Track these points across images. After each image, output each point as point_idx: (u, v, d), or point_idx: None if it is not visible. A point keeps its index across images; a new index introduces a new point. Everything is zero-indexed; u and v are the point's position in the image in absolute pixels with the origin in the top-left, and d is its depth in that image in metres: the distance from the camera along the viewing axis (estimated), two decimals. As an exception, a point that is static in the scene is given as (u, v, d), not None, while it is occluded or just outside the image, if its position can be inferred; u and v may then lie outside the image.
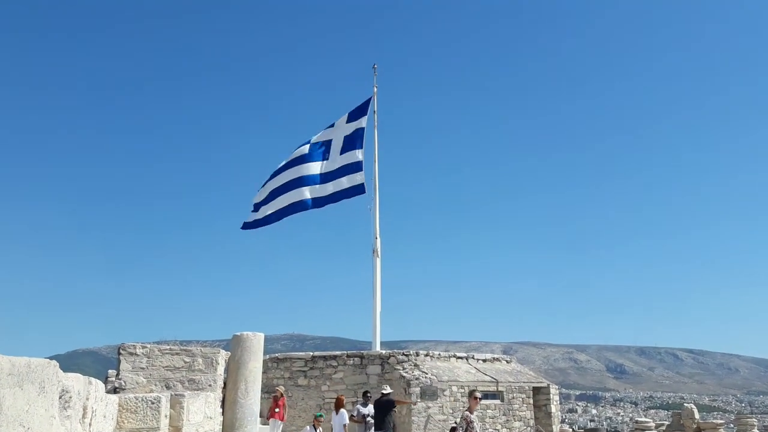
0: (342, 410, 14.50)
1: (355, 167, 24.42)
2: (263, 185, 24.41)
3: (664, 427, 20.12)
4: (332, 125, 25.10)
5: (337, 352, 21.91)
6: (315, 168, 24.25)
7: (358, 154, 24.59)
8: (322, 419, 11.13)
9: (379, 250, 24.94)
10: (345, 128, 24.89)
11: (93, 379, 5.46)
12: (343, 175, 24.21)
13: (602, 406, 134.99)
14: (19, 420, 3.10)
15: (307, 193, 23.87)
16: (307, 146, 24.59)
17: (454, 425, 9.42)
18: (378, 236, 25.06)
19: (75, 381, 4.72)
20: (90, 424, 5.40)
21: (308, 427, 9.90)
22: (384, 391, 14.75)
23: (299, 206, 23.95)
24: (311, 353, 22.17)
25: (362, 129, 24.96)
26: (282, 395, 17.99)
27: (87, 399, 5.16)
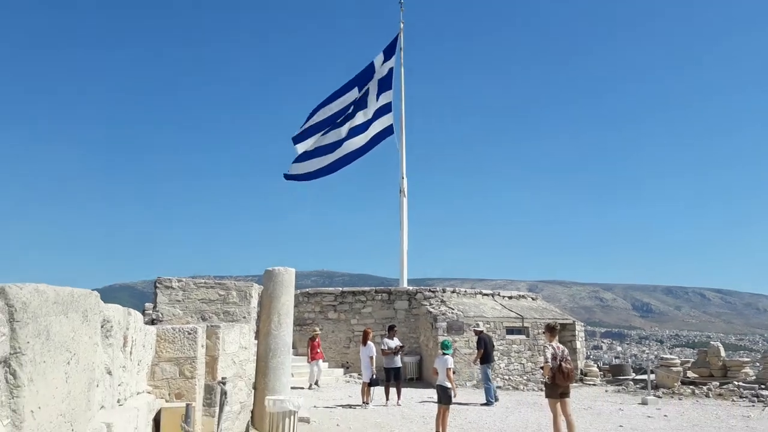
0: (369, 343, 14.85)
1: (386, 109, 24.33)
2: (305, 131, 24.61)
3: (689, 365, 20.18)
4: (371, 67, 24.77)
5: (366, 288, 22.29)
6: (356, 120, 24.31)
7: (388, 96, 24.42)
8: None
9: (405, 189, 24.95)
10: (381, 70, 24.66)
11: (132, 310, 5.63)
12: (376, 119, 24.21)
13: (627, 344, 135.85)
14: (66, 346, 3.22)
15: (347, 147, 24.08)
16: (350, 96, 24.53)
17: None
18: (404, 176, 25.03)
19: (115, 311, 4.86)
20: (131, 353, 5.60)
21: (449, 357, 10.27)
22: (478, 328, 16.87)
23: (343, 162, 24.20)
24: (340, 288, 22.59)
25: (392, 69, 24.66)
26: (318, 335, 18.59)
27: (127, 329, 5.33)
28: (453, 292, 22.02)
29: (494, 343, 16.62)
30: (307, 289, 22.50)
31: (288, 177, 24.36)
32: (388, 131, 24.49)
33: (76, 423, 3.40)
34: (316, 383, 17.68)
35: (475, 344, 16.76)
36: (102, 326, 4.38)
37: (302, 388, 16.67)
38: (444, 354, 10.64)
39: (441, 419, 10.22)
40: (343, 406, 14.06)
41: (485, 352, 15.82)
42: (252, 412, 9.53)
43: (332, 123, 24.31)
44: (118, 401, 5.03)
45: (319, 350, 18.15)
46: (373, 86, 24.52)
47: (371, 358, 14.46)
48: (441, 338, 19.36)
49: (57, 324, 3.08)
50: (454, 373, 10.80)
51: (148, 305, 10.46)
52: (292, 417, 8.86)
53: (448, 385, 10.17)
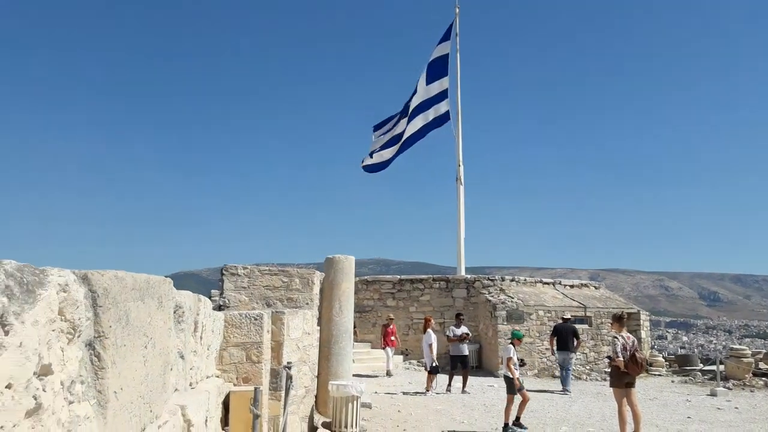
0: (428, 330, 14.87)
1: (441, 96, 24.20)
2: (379, 128, 25.39)
3: (761, 356, 19.36)
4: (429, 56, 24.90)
5: (424, 276, 22.28)
6: (411, 106, 24.46)
7: (444, 82, 24.25)
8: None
9: (462, 177, 24.76)
10: (433, 55, 24.60)
11: (202, 296, 5.78)
12: (431, 107, 24.17)
13: (693, 334, 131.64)
14: (143, 330, 3.33)
15: (405, 134, 24.32)
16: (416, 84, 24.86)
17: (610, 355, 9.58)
18: (461, 163, 24.83)
19: (186, 297, 5.01)
20: (201, 338, 5.77)
21: (511, 346, 10.24)
22: (565, 317, 16.95)
23: (400, 149, 24.45)
24: (398, 276, 22.65)
25: (446, 55, 24.44)
26: (392, 322, 18.55)
27: (197, 314, 5.48)
28: (512, 280, 21.77)
29: (577, 332, 16.42)
30: (366, 277, 22.65)
31: (366, 169, 25.04)
32: (444, 118, 24.34)
33: (153, 405, 3.53)
34: (389, 372, 17.56)
35: (549, 334, 16.97)
36: (174, 312, 4.51)
37: (364, 375, 16.82)
38: (509, 343, 10.53)
39: (505, 408, 10.14)
40: (403, 392, 14.14)
41: (559, 341, 15.81)
42: (315, 396, 9.68)
43: (399, 114, 24.79)
44: (190, 384, 5.19)
45: (393, 338, 18.00)
46: (423, 71, 24.50)
47: (429, 345, 14.47)
48: (501, 327, 19.22)
49: (135, 309, 3.19)
50: (522, 363, 10.68)
51: (215, 292, 10.74)
52: (354, 402, 8.96)
53: (513, 374, 10.06)
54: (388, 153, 24.59)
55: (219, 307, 8.93)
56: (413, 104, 24.20)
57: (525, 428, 9.94)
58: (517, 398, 10.15)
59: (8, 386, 1.84)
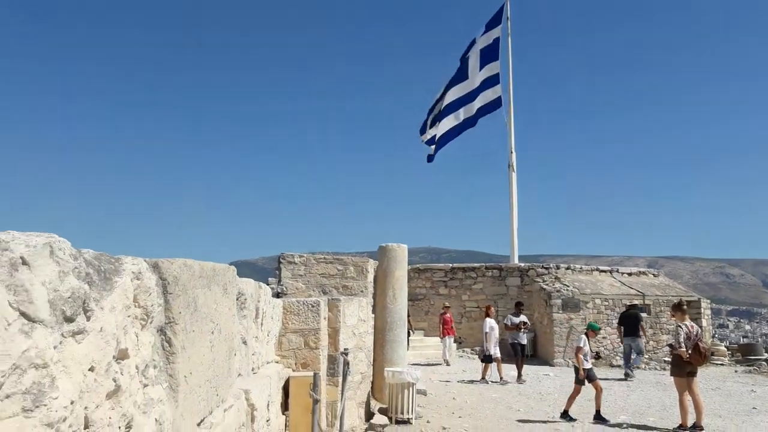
0: (486, 319, 14.82)
1: (492, 81, 23.83)
2: (428, 118, 25.18)
3: (832, 346, 18.55)
4: (473, 42, 24.47)
5: (476, 264, 22.16)
6: (461, 90, 24.15)
7: (494, 67, 23.87)
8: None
9: (514, 164, 24.44)
10: (481, 41, 24.18)
11: (262, 284, 5.91)
12: (481, 92, 23.84)
13: (757, 322, 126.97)
14: (210, 317, 3.43)
15: (454, 119, 24.08)
16: (459, 72, 24.59)
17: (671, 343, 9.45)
18: (513, 150, 24.49)
19: (248, 285, 5.13)
20: (261, 324, 5.90)
21: (583, 336, 10.16)
22: (631, 303, 17.49)
23: (452, 134, 24.22)
24: (450, 265, 22.58)
25: (497, 39, 24.04)
26: (449, 310, 18.43)
27: (258, 301, 5.61)
28: (567, 268, 21.42)
29: (642, 319, 16.87)
30: (417, 265, 22.67)
31: (430, 159, 25.02)
32: (495, 104, 24.00)
33: (219, 389, 3.63)
34: (446, 362, 17.40)
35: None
36: (237, 299, 4.63)
37: (417, 363, 16.87)
38: (583, 334, 10.35)
39: (569, 395, 9.99)
40: (458, 381, 14.13)
41: (627, 327, 16.15)
42: (371, 382, 9.78)
43: (449, 103, 24.47)
44: (252, 370, 5.32)
45: (451, 326, 17.84)
46: (474, 56, 24.08)
47: (485, 334, 14.41)
48: (556, 316, 18.95)
49: (202, 296, 3.28)
50: (597, 356, 10.56)
51: (272, 280, 10.94)
52: (410, 389, 9.02)
53: (585, 365, 9.89)
54: (440, 131, 24.45)
55: (277, 295, 9.10)
56: (464, 90, 23.89)
57: (574, 420, 9.75)
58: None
59: (91, 369, 1.93)
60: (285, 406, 6.55)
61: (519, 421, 9.84)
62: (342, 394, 7.36)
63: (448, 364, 17.18)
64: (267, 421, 4.91)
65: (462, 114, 23.94)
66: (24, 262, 1.64)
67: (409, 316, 16.25)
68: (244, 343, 4.91)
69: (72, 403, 1.75)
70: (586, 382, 9.80)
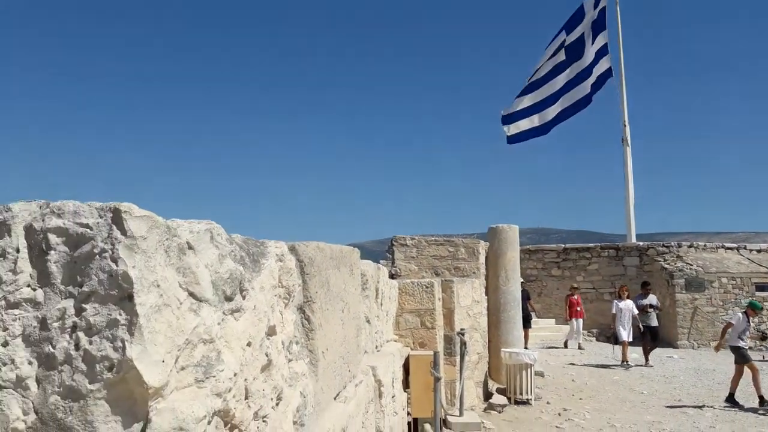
0: (615, 300, 14.41)
1: (602, 52, 22.74)
2: (521, 95, 23.78)
3: None
4: (581, 10, 23.29)
5: (590, 245, 21.47)
6: (573, 71, 22.93)
7: (603, 37, 22.78)
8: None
9: (628, 138, 23.35)
10: (592, 12, 23.05)
11: (380, 265, 6.06)
12: (594, 66, 22.72)
13: None
14: (340, 296, 3.58)
15: (567, 99, 22.84)
16: (560, 44, 23.27)
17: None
18: (626, 123, 23.39)
19: (368, 267, 5.28)
20: (381, 304, 6.06)
21: (740, 313, 9.85)
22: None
23: (566, 114, 23.05)
24: (563, 245, 22.01)
25: (605, 8, 22.92)
26: (577, 290, 17.78)
27: (378, 282, 5.76)
28: (690, 246, 20.26)
29: None
30: (528, 246, 22.24)
31: (510, 140, 23.68)
32: (605, 75, 22.89)
33: (351, 365, 3.79)
34: (579, 346, 16.67)
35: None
36: (360, 279, 4.79)
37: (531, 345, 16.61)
38: (742, 312, 9.79)
39: (731, 378, 9.52)
40: (577, 363, 13.81)
41: None
42: (488, 363, 9.79)
43: (546, 76, 23.25)
44: (376, 348, 5.49)
45: (579, 308, 17.02)
46: (586, 30, 22.96)
47: (613, 315, 14.00)
48: (679, 296, 18.03)
49: (333, 277, 3.43)
50: (763, 337, 9.97)
51: (383, 262, 11.15)
52: (528, 370, 8.95)
53: (740, 344, 9.37)
54: (537, 119, 23.06)
55: (391, 276, 9.29)
56: (575, 70, 22.78)
57: (741, 406, 9.22)
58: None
59: (248, 344, 2.08)
60: (405, 384, 6.72)
61: (643, 404, 9.51)
62: (460, 373, 7.44)
63: (580, 348, 16.50)
64: (393, 397, 5.06)
65: (572, 95, 22.79)
66: (189, 247, 1.80)
67: (529, 298, 15.95)
68: (368, 322, 5.07)
69: (235, 375, 1.91)
70: (744, 361, 9.26)
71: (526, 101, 23.31)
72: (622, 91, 23.43)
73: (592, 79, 22.60)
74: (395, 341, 7.18)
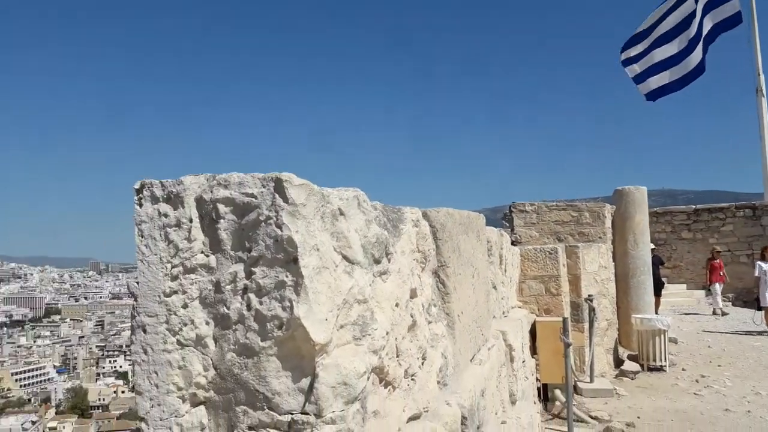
0: (758, 261, 13.43)
1: None
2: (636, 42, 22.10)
3: None
4: None
5: (723, 204, 20.14)
6: (697, 20, 21.06)
7: None
8: None
9: (763, 88, 21.44)
10: None
11: (503, 231, 6.02)
12: (716, 6, 20.81)
13: None
14: (470, 261, 3.60)
15: (695, 58, 20.97)
16: None
17: None
18: (761, 72, 21.45)
19: (491, 233, 5.26)
20: (505, 270, 6.03)
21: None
22: None
23: (695, 73, 21.27)
24: (693, 206, 20.78)
25: None
26: (719, 254, 16.71)
27: (501, 248, 5.73)
28: (840, 202, 18.47)
29: None
30: (655, 209, 21.14)
31: (649, 97, 22.16)
32: (734, 19, 20.93)
33: (483, 329, 3.82)
34: (720, 311, 15.73)
35: None
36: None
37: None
38: None
39: None
40: (712, 330, 13.07)
41: None
42: (617, 330, 9.50)
43: (671, 30, 21.49)
44: (503, 313, 5.49)
45: (721, 273, 16.10)
46: None
47: (755, 278, 13.08)
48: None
49: (463, 242, 3.45)
50: None
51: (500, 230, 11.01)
52: (662, 336, 8.59)
53: None
54: (664, 77, 21.40)
55: (512, 243, 9.19)
56: (698, 23, 20.98)
57: None
58: None
59: (396, 305, 2.16)
60: (531, 351, 6.67)
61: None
62: (590, 339, 7.28)
63: (723, 314, 15.52)
64: (523, 362, 5.05)
65: (698, 52, 20.92)
66: (341, 213, 1.88)
67: (662, 263, 15.12)
68: (494, 288, 5.07)
69: (387, 333, 1.99)
70: None
71: (658, 54, 21.65)
72: (755, 37, 21.50)
73: (713, 22, 20.64)
74: (519, 308, 7.13)
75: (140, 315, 1.74)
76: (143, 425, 1.73)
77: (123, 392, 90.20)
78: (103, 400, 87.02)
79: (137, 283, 1.74)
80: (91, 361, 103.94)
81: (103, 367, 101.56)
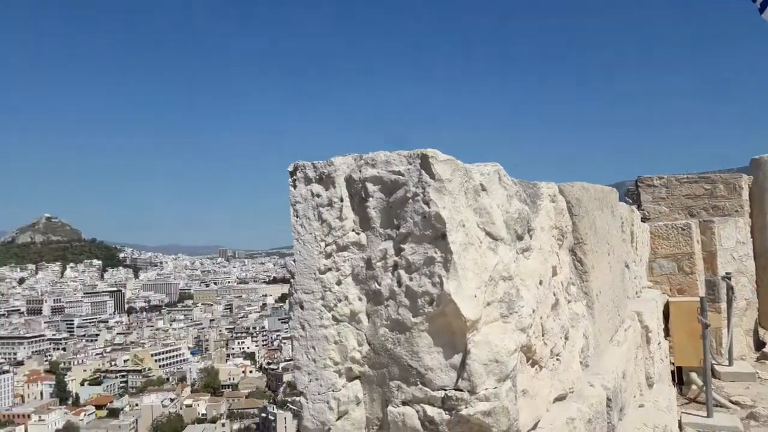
0: None
1: None
2: None
3: None
4: None
5: None
6: None
7: None
8: None
9: None
10: None
11: (634, 208, 5.75)
12: None
13: None
14: (606, 238, 3.46)
15: None
16: None
17: None
18: None
19: (623, 208, 5.02)
20: (636, 248, 5.75)
21: None
22: None
23: None
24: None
25: None
26: None
27: (632, 225, 5.47)
28: None
29: None
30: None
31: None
32: None
33: (619, 308, 3.67)
34: None
35: None
36: (617, 222, 4.58)
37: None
38: None
39: None
40: None
41: None
42: (757, 310, 8.83)
43: None
44: (636, 293, 5.25)
45: None
46: None
47: None
48: None
49: (598, 218, 3.32)
50: None
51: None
52: (812, 317, 7.89)
53: None
54: None
55: (641, 220, 8.74)
56: None
57: None
58: None
59: (540, 282, 2.11)
60: (664, 332, 6.34)
61: None
62: (728, 320, 6.82)
63: None
64: (659, 344, 4.82)
65: None
66: (483, 188, 1.85)
67: None
68: (627, 267, 4.85)
69: (533, 311, 1.95)
70: None
71: None
72: None
73: None
74: (650, 287, 6.79)
75: (297, 292, 1.81)
76: (302, 399, 1.80)
77: (251, 372, 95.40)
78: (233, 379, 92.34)
79: (294, 261, 1.81)
80: (221, 342, 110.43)
81: (233, 348, 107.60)
